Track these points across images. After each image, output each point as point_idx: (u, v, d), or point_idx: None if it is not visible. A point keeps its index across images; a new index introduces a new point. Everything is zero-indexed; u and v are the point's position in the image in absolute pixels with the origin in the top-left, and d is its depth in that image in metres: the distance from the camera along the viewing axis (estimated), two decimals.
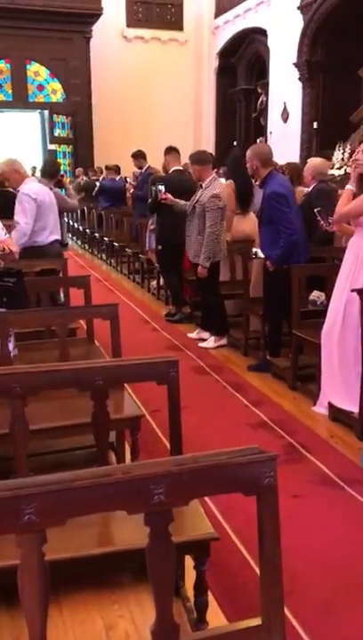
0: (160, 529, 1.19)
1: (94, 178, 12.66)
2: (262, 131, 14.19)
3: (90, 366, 1.98)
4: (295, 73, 11.70)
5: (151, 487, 1.16)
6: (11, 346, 2.90)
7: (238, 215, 5.82)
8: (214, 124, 16.81)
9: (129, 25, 16.49)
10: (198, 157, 5.32)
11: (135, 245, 8.57)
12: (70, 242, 13.44)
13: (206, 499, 2.68)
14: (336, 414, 3.80)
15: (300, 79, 11.69)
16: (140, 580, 1.68)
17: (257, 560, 1.30)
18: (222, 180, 5.76)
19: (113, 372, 1.96)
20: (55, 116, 15.48)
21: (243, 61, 15.08)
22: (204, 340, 5.55)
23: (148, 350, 5.24)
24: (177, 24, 16.90)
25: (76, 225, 13.33)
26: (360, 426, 3.57)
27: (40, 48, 14.93)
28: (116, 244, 9.48)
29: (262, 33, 13.58)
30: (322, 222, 4.12)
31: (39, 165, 10.32)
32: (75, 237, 13.64)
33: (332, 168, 10.30)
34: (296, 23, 11.47)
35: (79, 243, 13.04)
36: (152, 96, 16.38)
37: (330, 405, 3.83)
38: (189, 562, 1.90)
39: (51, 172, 5.72)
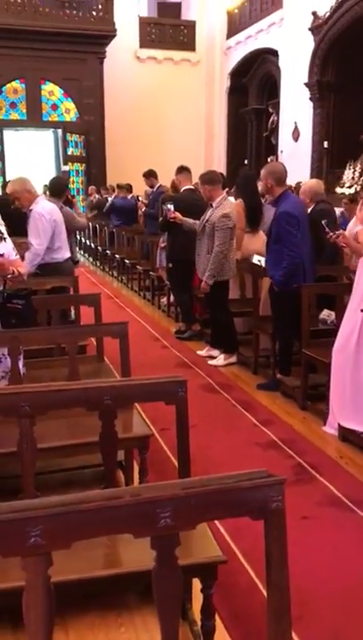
0: (166, 553, 1.18)
1: (106, 196, 12.77)
2: (272, 150, 14.27)
3: (98, 386, 1.98)
4: (306, 93, 11.78)
5: (158, 511, 1.15)
6: (20, 364, 2.91)
7: (248, 234, 5.84)
8: (226, 143, 16.94)
9: (142, 46, 16.72)
10: (209, 177, 5.35)
11: (146, 263, 8.63)
12: (82, 259, 13.54)
13: None
14: (346, 435, 3.77)
15: (311, 99, 11.77)
16: (146, 601, 1.67)
17: (266, 583, 1.29)
18: (232, 199, 5.78)
19: (121, 392, 1.96)
20: (68, 134, 15.68)
21: (254, 81, 15.22)
22: (213, 357, 5.54)
23: (157, 367, 5.24)
24: (189, 45, 17.11)
25: (88, 242, 13.43)
26: None
27: (54, 68, 15.16)
28: (127, 261, 9.53)
29: (273, 53, 13.72)
30: (330, 233, 4.10)
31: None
32: (87, 254, 13.73)
33: (342, 187, 10.35)
34: (307, 44, 11.57)
35: (91, 260, 13.11)
36: (164, 115, 16.55)
37: (340, 426, 3.80)
38: (196, 584, 1.88)
39: (58, 191, 5.79)
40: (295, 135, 12.63)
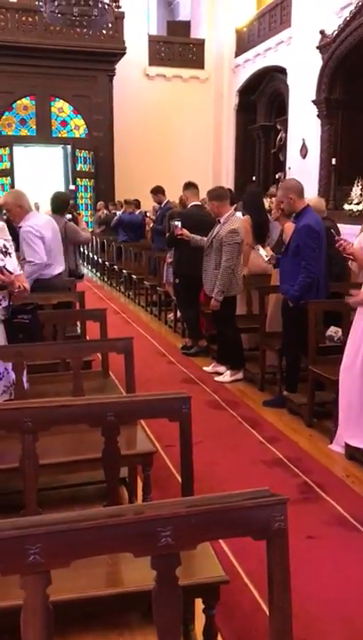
0: (167, 573, 1.16)
1: (114, 211, 12.85)
2: (280, 166, 14.32)
3: (101, 402, 1.97)
4: (314, 110, 11.84)
5: (158, 529, 1.14)
6: (23, 379, 2.91)
7: (255, 250, 5.84)
8: (234, 159, 17.03)
9: (151, 63, 16.90)
10: (217, 193, 5.37)
11: (153, 278, 8.64)
12: (90, 273, 13.60)
13: None
14: (353, 453, 3.73)
15: (318, 116, 11.82)
16: (149, 621, 1.64)
17: (268, 604, 1.26)
18: (239, 215, 5.80)
19: (125, 408, 1.95)
20: (78, 150, 15.82)
21: (263, 98, 15.32)
22: (220, 373, 5.53)
23: (163, 383, 5.23)
24: (198, 62, 17.28)
25: (95, 257, 13.49)
26: None
27: (64, 85, 15.33)
28: (134, 276, 9.55)
29: (281, 71, 13.83)
30: (339, 240, 4.03)
31: (40, 201, 10.54)
32: (94, 269, 13.78)
33: (350, 203, 10.37)
34: (315, 62, 11.66)
35: (99, 275, 13.16)
36: (173, 132, 16.68)
37: (347, 444, 3.77)
38: (198, 604, 1.85)
39: (59, 208, 5.83)
40: (303, 152, 12.68)
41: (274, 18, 14.32)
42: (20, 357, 2.79)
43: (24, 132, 15.68)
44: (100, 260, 12.86)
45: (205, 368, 5.76)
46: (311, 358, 4.25)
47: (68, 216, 6.62)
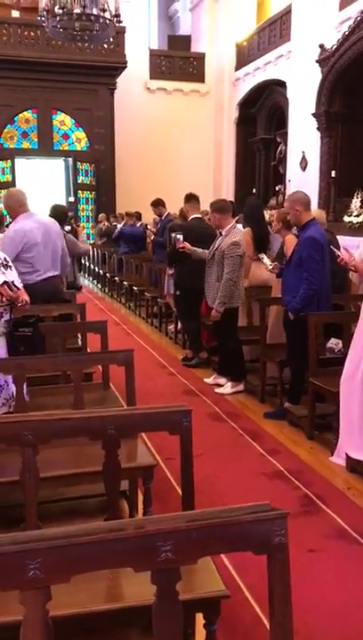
0: (167, 588, 1.16)
1: (115, 223, 12.90)
2: (280, 179, 14.38)
3: (101, 415, 1.97)
4: (314, 123, 11.92)
5: (158, 544, 1.14)
6: (24, 392, 2.91)
7: (256, 262, 5.86)
8: (234, 172, 17.12)
9: (152, 77, 17.02)
10: (219, 206, 5.40)
11: (154, 290, 8.66)
12: (91, 285, 13.62)
13: None
14: (354, 465, 3.72)
15: (318, 129, 11.90)
16: (149, 636, 1.63)
17: (269, 619, 1.26)
18: (240, 227, 5.82)
19: (124, 422, 1.95)
20: (79, 163, 15.89)
21: (263, 112, 15.42)
22: (220, 385, 5.52)
23: (163, 395, 5.23)
24: (199, 76, 17.42)
25: (96, 269, 13.52)
26: None
27: (66, 99, 15.44)
28: (135, 288, 9.57)
29: (281, 85, 13.94)
30: (339, 254, 4.05)
31: (41, 213, 10.52)
32: (95, 281, 13.81)
33: (350, 215, 10.41)
34: (315, 75, 11.75)
35: (99, 286, 13.19)
36: (173, 145, 16.77)
37: (348, 456, 3.76)
38: (199, 619, 1.84)
39: (57, 219, 5.84)
40: (303, 164, 12.74)
41: (274, 32, 14.47)
42: (21, 370, 2.79)
43: (26, 144, 15.78)
44: (101, 271, 12.90)
45: (205, 380, 5.75)
46: (312, 370, 4.25)
47: (67, 228, 6.64)
